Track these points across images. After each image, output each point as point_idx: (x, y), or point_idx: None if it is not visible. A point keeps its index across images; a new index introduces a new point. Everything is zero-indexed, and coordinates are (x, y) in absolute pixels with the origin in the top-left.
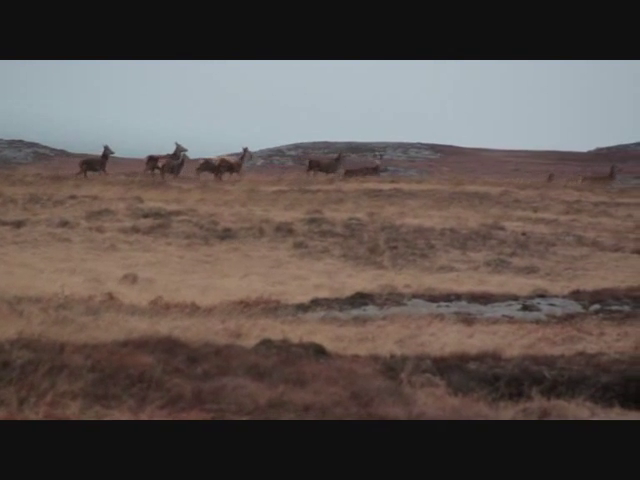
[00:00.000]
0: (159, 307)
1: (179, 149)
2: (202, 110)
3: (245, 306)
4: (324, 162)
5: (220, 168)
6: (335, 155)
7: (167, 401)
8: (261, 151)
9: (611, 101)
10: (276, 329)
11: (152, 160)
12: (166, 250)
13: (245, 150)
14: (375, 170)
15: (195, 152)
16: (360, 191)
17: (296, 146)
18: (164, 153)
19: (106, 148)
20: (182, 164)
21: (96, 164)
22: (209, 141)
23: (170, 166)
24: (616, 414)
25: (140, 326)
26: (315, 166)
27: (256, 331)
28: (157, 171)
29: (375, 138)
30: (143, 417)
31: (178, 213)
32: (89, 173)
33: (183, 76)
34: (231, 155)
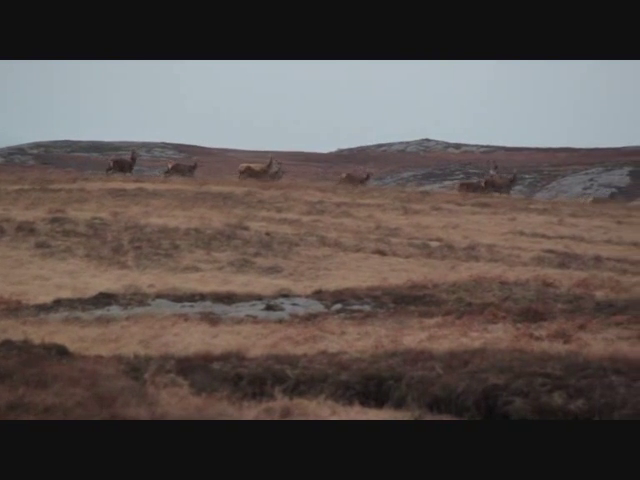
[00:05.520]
0: None
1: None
2: None
3: None
4: (498, 182)
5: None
6: (510, 176)
7: None
8: (0, 149)
9: (352, 104)
10: (17, 330)
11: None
12: None
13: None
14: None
15: None
16: (104, 190)
17: (37, 144)
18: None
19: (133, 152)
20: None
21: (125, 165)
22: None
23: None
24: (356, 412)
25: None
26: (490, 185)
27: None
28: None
29: (120, 137)
30: None
31: None
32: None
33: None
34: None
